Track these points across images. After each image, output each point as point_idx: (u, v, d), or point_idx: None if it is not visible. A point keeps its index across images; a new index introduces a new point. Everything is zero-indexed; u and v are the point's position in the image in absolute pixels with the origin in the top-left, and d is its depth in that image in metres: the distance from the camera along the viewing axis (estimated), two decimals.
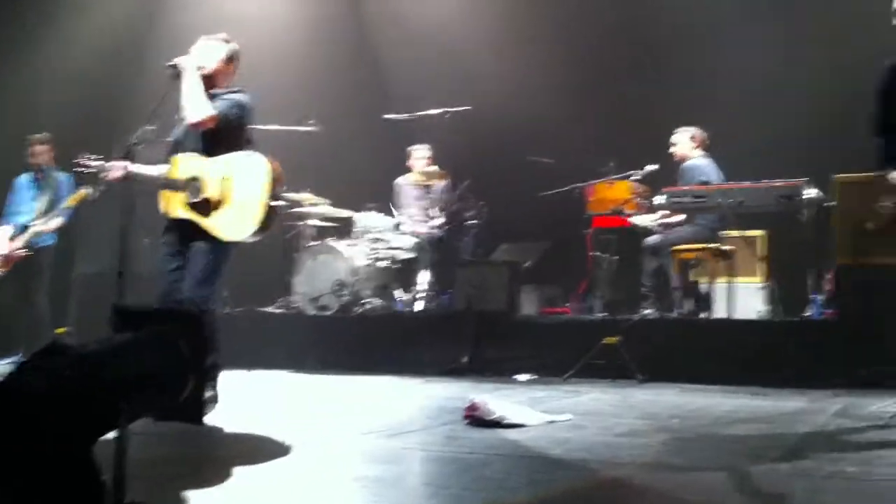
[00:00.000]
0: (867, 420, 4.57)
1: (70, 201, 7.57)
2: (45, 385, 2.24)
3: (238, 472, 3.44)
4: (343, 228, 9.00)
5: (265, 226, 4.95)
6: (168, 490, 3.05)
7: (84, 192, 7.35)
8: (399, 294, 8.56)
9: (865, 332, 6.15)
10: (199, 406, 2.81)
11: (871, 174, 6.03)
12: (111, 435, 2.56)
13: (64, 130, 8.30)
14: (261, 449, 3.93)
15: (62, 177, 7.84)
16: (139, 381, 2.57)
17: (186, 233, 5.01)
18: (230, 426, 4.53)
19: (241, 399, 5.46)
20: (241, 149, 5.06)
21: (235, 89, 5.14)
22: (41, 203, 7.80)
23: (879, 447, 3.88)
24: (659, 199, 7.17)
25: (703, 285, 7.71)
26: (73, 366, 2.32)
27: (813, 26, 8.38)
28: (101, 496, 2.36)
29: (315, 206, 8.67)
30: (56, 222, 7.76)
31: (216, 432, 4.41)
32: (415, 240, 8.67)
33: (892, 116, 4.60)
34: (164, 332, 2.66)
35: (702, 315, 7.51)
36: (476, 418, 4.48)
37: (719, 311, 7.44)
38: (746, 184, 6.90)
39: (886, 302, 6.03)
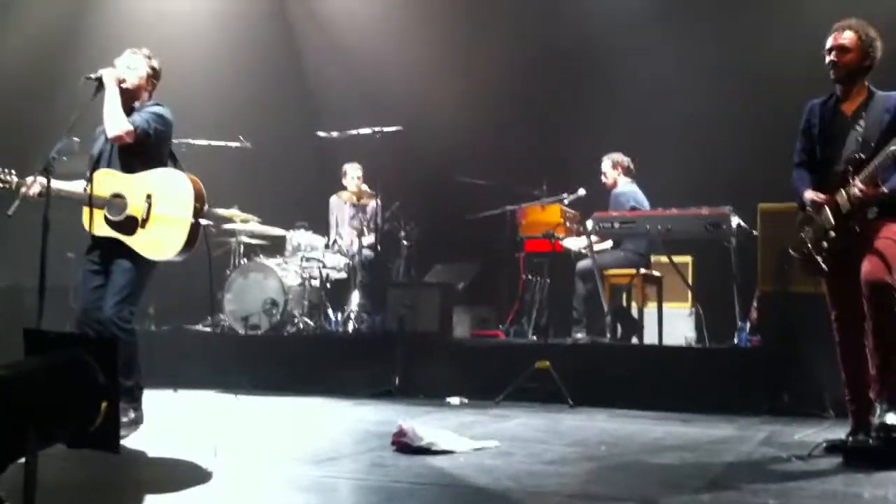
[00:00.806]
0: (792, 449, 4.61)
1: None
2: None
3: (155, 500, 3.34)
4: (273, 247, 8.89)
5: (190, 245, 4.89)
6: None
7: None
8: (331, 314, 8.47)
9: (787, 359, 6.26)
10: (114, 433, 2.71)
11: (794, 204, 6.20)
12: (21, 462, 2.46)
13: None
14: (181, 475, 3.82)
15: None
16: (50, 408, 2.47)
17: (110, 251, 4.91)
18: (152, 449, 4.41)
19: (165, 420, 5.34)
20: (163, 164, 5.00)
21: (155, 103, 5.06)
22: None
23: (801, 478, 3.92)
24: (589, 224, 7.24)
25: (634, 310, 7.79)
26: None
27: (741, 56, 8.54)
28: None
29: (244, 224, 8.54)
30: None
31: (136, 456, 4.29)
32: (347, 259, 8.60)
33: (805, 153, 4.71)
34: (76, 357, 2.57)
35: (632, 340, 7.58)
36: (404, 444, 4.43)
37: (649, 337, 7.52)
38: (674, 211, 7.01)
39: (807, 329, 6.13)
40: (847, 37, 4.49)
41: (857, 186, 4.34)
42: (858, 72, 4.51)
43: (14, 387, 2.36)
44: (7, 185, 4.89)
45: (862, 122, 4.47)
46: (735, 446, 4.85)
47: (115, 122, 4.82)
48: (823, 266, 4.51)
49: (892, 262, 4.24)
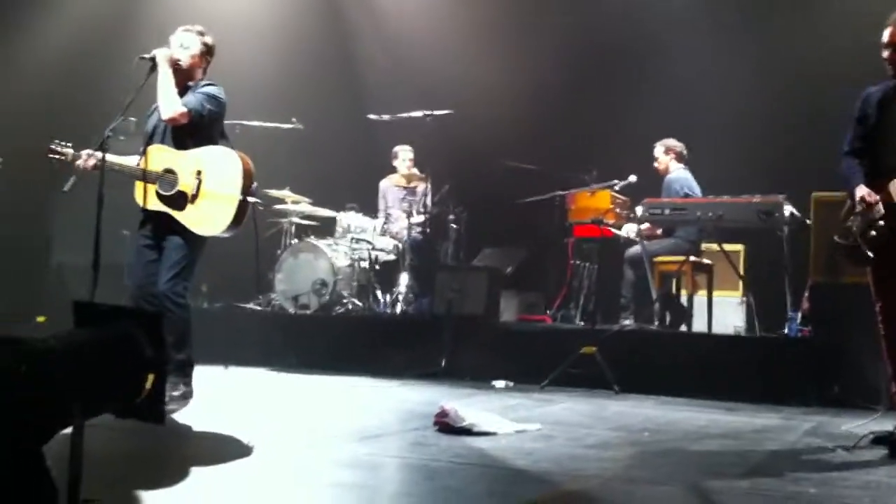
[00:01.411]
0: (837, 440, 4.57)
1: None
2: None
3: (199, 472, 3.42)
4: (324, 228, 8.98)
5: (237, 222, 4.96)
6: (125, 489, 3.02)
7: None
8: (379, 295, 8.54)
9: (838, 351, 6.17)
10: (160, 405, 2.77)
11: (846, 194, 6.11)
12: (68, 432, 2.54)
13: (39, 120, 8.24)
14: (225, 449, 3.90)
15: None
16: (96, 379, 2.54)
17: (162, 226, 5.01)
18: (200, 424, 4.51)
19: (214, 396, 5.44)
20: (214, 143, 5.06)
21: (208, 82, 5.12)
22: None
23: (844, 468, 3.88)
24: (639, 211, 7.19)
25: (683, 298, 7.72)
26: (26, 361, 2.29)
27: (793, 46, 8.42)
28: (52, 496, 2.33)
29: (296, 205, 8.64)
30: None
31: (184, 430, 4.39)
32: (396, 242, 8.66)
33: (858, 141, 4.63)
34: (124, 330, 2.64)
35: (681, 328, 7.52)
36: (446, 425, 4.46)
37: (698, 325, 7.46)
38: (726, 198, 6.93)
39: (858, 321, 6.02)
40: None
41: None
42: None
43: (61, 358, 2.42)
44: (63, 157, 5.01)
45: None
46: (780, 435, 4.81)
47: (169, 104, 4.90)
48: (869, 254, 4.43)
49: None
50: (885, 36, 4.45)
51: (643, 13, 9.06)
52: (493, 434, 4.39)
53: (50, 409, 2.40)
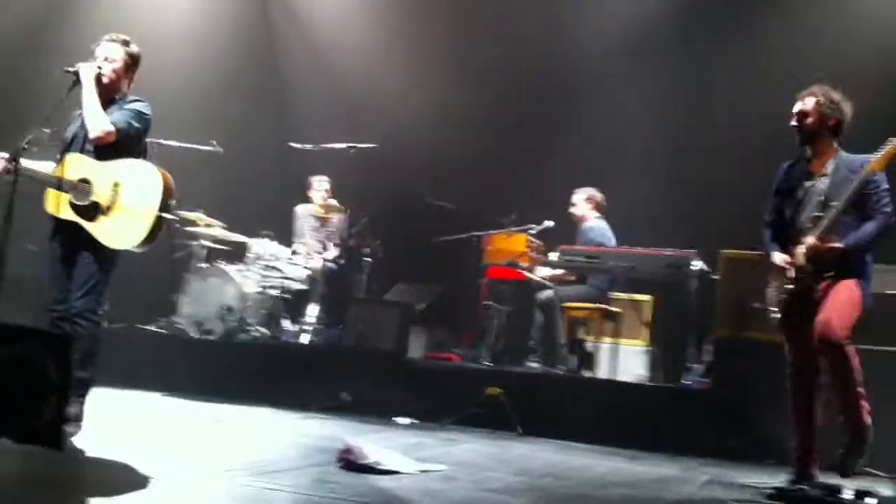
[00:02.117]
0: (734, 493, 4.66)
1: None
2: None
3: (92, 502, 3.29)
4: (235, 253, 8.82)
5: (152, 237, 4.85)
6: None
7: None
8: (287, 325, 8.42)
9: (738, 404, 6.32)
10: (60, 431, 2.67)
11: (755, 252, 6.36)
12: None
13: None
14: (121, 478, 3.77)
15: None
16: None
17: (74, 238, 4.86)
18: (96, 450, 4.33)
19: (111, 420, 5.27)
20: (135, 157, 4.95)
21: (135, 98, 5.01)
22: None
23: None
24: (554, 256, 7.29)
25: (590, 344, 7.82)
26: None
27: (715, 105, 8.64)
28: None
29: (208, 228, 8.48)
30: None
31: (81, 456, 4.21)
32: (308, 272, 8.57)
33: (775, 213, 4.84)
34: (29, 352, 2.53)
35: (586, 373, 7.61)
36: (349, 461, 4.41)
37: (603, 371, 7.56)
38: (639, 249, 7.11)
39: (761, 376, 6.20)
40: (807, 103, 4.70)
41: (807, 242, 4.52)
42: (820, 134, 4.69)
43: None
44: None
45: (826, 181, 4.61)
46: (678, 487, 4.88)
47: (97, 123, 4.78)
48: (778, 317, 4.63)
49: (845, 318, 4.34)
50: (795, 107, 4.70)
51: (573, 60, 9.22)
52: (397, 473, 4.35)
53: None
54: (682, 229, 7.76)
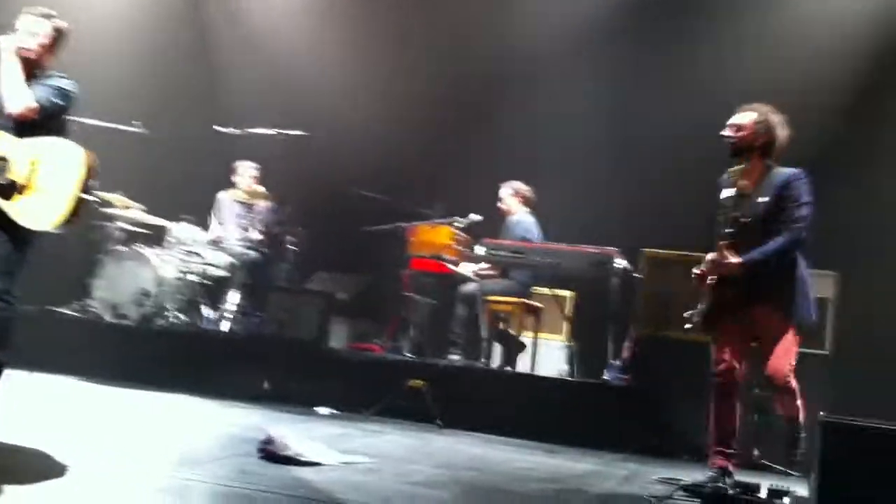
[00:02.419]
0: (652, 489, 4.73)
1: None
2: None
3: (4, 490, 3.17)
4: (154, 237, 8.62)
5: (71, 218, 4.69)
6: None
7: None
8: (206, 311, 8.27)
9: (657, 401, 6.43)
10: None
11: (677, 252, 6.50)
12: None
13: None
14: (33, 466, 3.65)
15: None
16: None
17: None
18: (7, 435, 4.18)
19: (25, 405, 5.09)
20: (57, 135, 4.78)
21: (59, 74, 4.84)
22: None
23: None
24: (479, 250, 7.31)
25: (510, 338, 7.87)
26: None
27: (648, 103, 8.72)
28: None
29: (127, 210, 8.26)
30: None
31: None
32: (229, 258, 8.42)
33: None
34: None
35: (506, 367, 7.65)
36: (270, 452, 4.34)
37: (523, 365, 7.61)
38: (563, 246, 7.17)
39: (678, 374, 6.32)
40: (745, 116, 4.80)
41: (707, 257, 4.73)
42: (750, 150, 4.77)
43: None
44: None
45: (752, 195, 4.69)
46: (599, 481, 4.94)
47: (18, 99, 4.59)
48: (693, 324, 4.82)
49: (789, 362, 4.63)
50: (733, 119, 4.82)
51: (507, 54, 9.23)
52: (319, 465, 4.30)
53: None
54: (608, 227, 7.87)
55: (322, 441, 4.76)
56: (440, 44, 9.45)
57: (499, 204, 8.09)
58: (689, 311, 4.83)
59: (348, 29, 9.71)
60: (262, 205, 8.65)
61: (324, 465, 4.33)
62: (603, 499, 4.48)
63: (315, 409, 6.71)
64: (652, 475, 5.22)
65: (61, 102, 4.72)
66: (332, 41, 9.72)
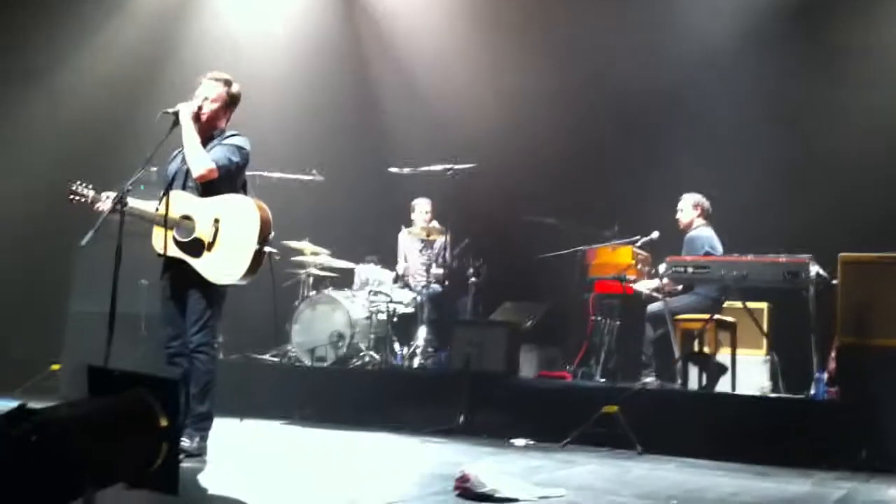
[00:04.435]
0: None
1: None
2: (6, 452, 2.13)
3: None
4: (342, 280, 8.91)
5: (252, 271, 4.93)
6: None
7: None
8: (397, 348, 8.44)
9: (867, 414, 6.01)
10: (174, 475, 2.68)
11: (876, 255, 6.05)
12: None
13: (64, 164, 8.26)
14: None
15: None
16: (109, 449, 2.46)
17: (182, 276, 4.98)
18: (215, 485, 4.38)
19: (230, 451, 5.33)
20: (237, 191, 5.04)
21: (234, 133, 5.11)
22: None
23: None
24: (662, 268, 7.10)
25: (706, 357, 7.57)
26: (38, 432, 2.21)
27: (827, 100, 8.30)
28: None
29: (315, 256, 8.59)
30: None
31: (199, 495, 4.26)
32: (414, 295, 8.58)
33: None
34: (139, 399, 2.56)
35: (703, 387, 7.36)
36: (467, 490, 4.33)
37: (721, 385, 7.31)
38: (750, 257, 6.84)
39: (887, 383, 5.91)
40: None
41: None
42: None
43: (74, 427, 2.35)
44: (84, 199, 4.97)
45: None
46: None
47: (199, 162, 4.90)
48: None
49: None
50: None
51: (670, 63, 8.99)
52: (516, 501, 4.26)
53: (61, 480, 2.32)
54: (795, 233, 7.47)
55: (518, 474, 4.73)
56: (605, 61, 9.29)
57: (678, 216, 7.84)
58: None
59: (507, 56, 9.71)
60: (441, 240, 8.77)
61: (520, 500, 4.28)
62: None
63: (510, 440, 6.68)
64: (871, 495, 4.87)
65: (237, 160, 4.99)
66: (491, 70, 9.74)
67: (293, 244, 8.33)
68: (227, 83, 5.16)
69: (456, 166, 8.33)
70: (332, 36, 10.35)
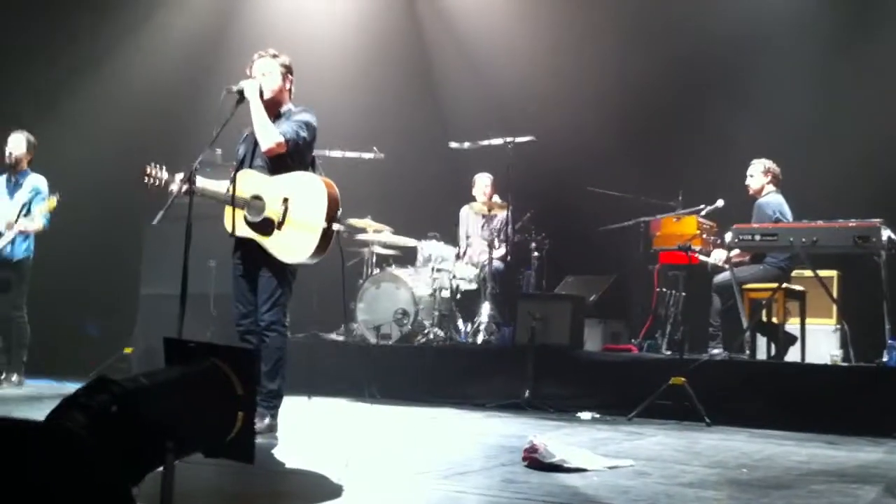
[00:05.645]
0: None
1: (45, 207, 7.53)
2: (88, 422, 2.18)
3: None
4: (405, 257, 8.96)
5: (322, 249, 4.96)
6: None
7: (56, 198, 7.40)
8: (461, 325, 8.47)
9: None
10: (250, 444, 2.73)
11: None
12: (159, 471, 2.51)
13: (136, 151, 8.42)
14: (312, 487, 3.85)
15: (38, 180, 7.73)
16: (187, 419, 2.51)
17: (252, 254, 5.05)
18: (287, 459, 4.47)
19: (299, 428, 5.42)
20: (305, 168, 5.08)
21: (302, 108, 5.15)
22: (15, 206, 7.63)
23: None
24: (728, 236, 7.00)
25: (775, 327, 7.45)
26: (118, 402, 2.26)
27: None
28: None
29: (378, 234, 8.64)
30: (33, 226, 7.58)
31: (272, 466, 4.34)
32: (477, 270, 8.58)
33: None
34: (215, 369, 2.61)
35: (772, 357, 7.26)
36: (535, 461, 4.34)
37: (791, 355, 7.20)
38: (820, 223, 6.70)
39: None
40: None
41: None
42: None
43: (154, 398, 2.40)
44: (158, 180, 5.02)
45: None
46: (886, 472, 4.56)
47: (268, 136, 4.94)
48: None
49: None
50: None
51: (733, 31, 8.83)
52: (585, 471, 4.25)
53: (141, 449, 2.38)
54: (865, 198, 7.30)
55: (586, 446, 4.72)
56: (665, 30, 9.16)
57: (748, 182, 7.70)
58: None
59: (562, 26, 9.63)
60: (502, 215, 8.75)
61: (589, 470, 4.27)
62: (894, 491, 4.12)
63: (578, 414, 6.67)
64: None
65: (305, 135, 5.02)
66: (548, 40, 9.67)
67: (356, 222, 8.40)
68: (276, 56, 5.20)
69: (515, 139, 8.29)
70: (390, 13, 10.37)
